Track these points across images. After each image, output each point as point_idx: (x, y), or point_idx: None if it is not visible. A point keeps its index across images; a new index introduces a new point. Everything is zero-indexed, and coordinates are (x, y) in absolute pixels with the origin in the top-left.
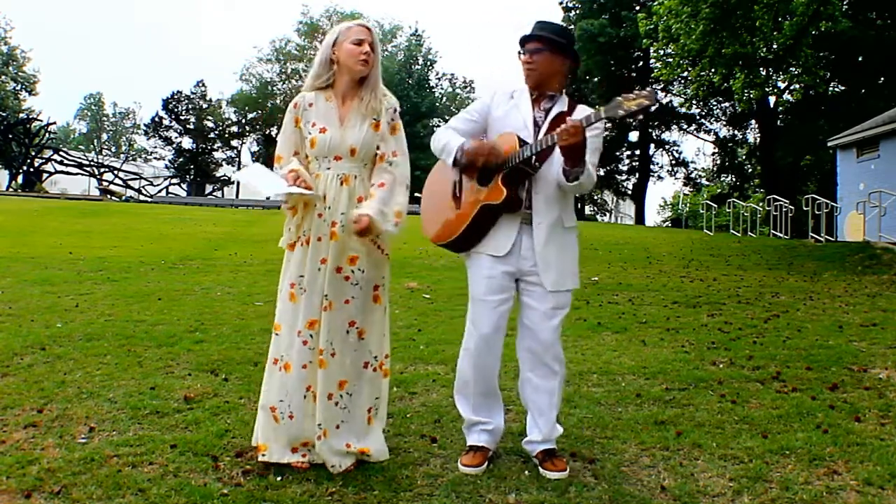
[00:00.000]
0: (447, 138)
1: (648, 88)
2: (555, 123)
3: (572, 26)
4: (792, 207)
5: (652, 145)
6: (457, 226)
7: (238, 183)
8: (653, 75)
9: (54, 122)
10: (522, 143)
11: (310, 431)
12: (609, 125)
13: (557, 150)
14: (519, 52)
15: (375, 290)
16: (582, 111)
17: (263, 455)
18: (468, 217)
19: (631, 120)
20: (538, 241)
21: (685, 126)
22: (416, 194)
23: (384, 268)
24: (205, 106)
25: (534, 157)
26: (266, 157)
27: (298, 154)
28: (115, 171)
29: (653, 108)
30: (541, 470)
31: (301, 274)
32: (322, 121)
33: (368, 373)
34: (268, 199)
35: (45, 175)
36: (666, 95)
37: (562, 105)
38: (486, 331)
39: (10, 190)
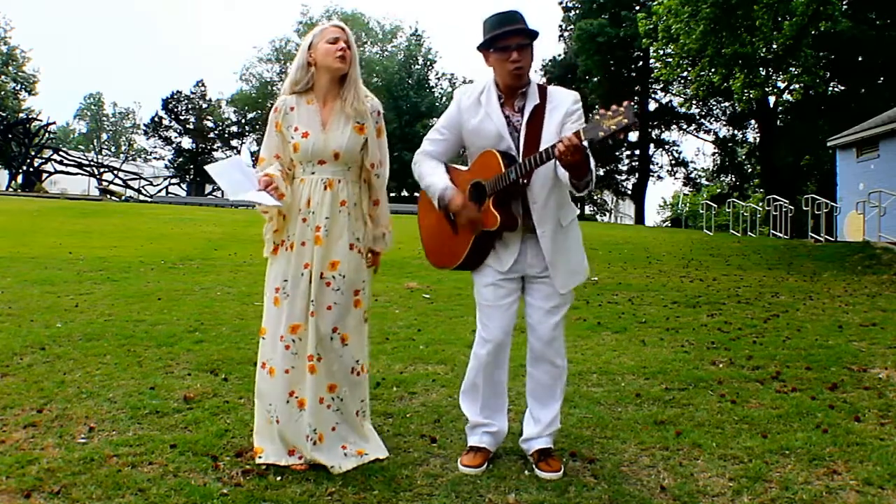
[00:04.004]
0: (427, 176)
1: (626, 103)
2: (532, 123)
3: (572, 26)
4: (792, 207)
5: (652, 145)
6: (457, 253)
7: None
8: (653, 75)
9: (54, 122)
10: (506, 158)
11: (295, 437)
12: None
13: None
14: (492, 52)
15: (356, 294)
16: (555, 94)
17: (260, 457)
18: (467, 244)
19: (611, 142)
20: (545, 248)
21: (685, 126)
22: (416, 194)
23: (364, 272)
24: (205, 106)
25: (521, 179)
26: None
27: (280, 157)
28: (115, 171)
29: (634, 129)
30: (536, 470)
31: (285, 279)
32: (304, 125)
33: (354, 377)
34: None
35: (44, 175)
36: (666, 95)
37: (533, 97)
38: (499, 336)
39: (10, 190)
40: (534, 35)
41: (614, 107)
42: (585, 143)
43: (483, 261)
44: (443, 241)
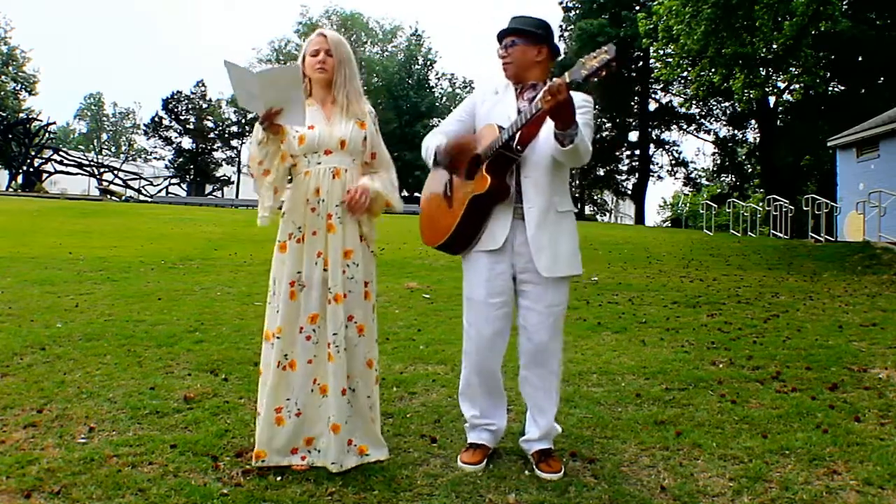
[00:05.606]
0: (430, 143)
1: (610, 44)
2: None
3: (572, 26)
4: (792, 207)
5: (652, 145)
6: (449, 224)
7: (238, 181)
8: (653, 75)
9: (54, 122)
10: (502, 130)
11: (317, 427)
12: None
13: (543, 130)
14: (498, 49)
15: (366, 286)
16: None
17: (262, 461)
18: (459, 213)
19: (596, 80)
20: (529, 226)
21: (685, 126)
22: (417, 194)
23: (372, 265)
24: (205, 106)
25: (514, 141)
26: None
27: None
28: (115, 171)
29: (615, 63)
30: (536, 471)
31: (299, 270)
32: (309, 120)
33: (366, 370)
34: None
35: (45, 175)
36: (666, 95)
37: None
38: (488, 335)
39: (10, 190)
40: (521, 32)
41: (597, 50)
42: (569, 80)
43: (475, 237)
44: (437, 216)
